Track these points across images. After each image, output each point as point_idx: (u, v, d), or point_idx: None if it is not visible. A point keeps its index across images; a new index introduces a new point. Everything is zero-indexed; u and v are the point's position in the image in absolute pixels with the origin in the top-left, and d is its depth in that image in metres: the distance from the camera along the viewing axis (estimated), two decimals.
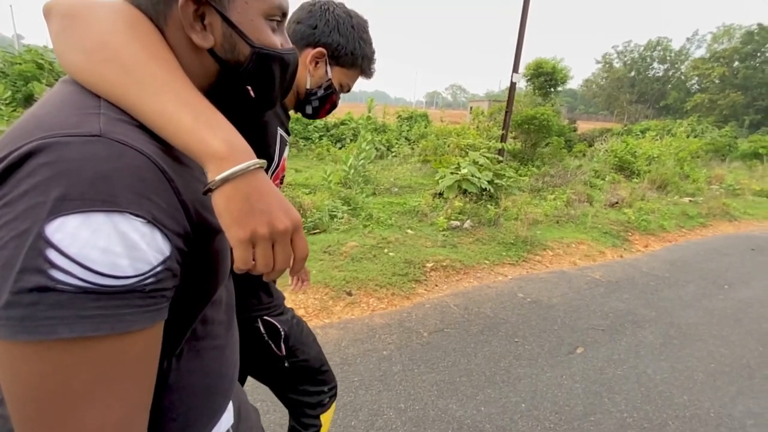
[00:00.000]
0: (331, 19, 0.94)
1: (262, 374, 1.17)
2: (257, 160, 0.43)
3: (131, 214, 0.36)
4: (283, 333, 1.08)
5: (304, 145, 10.24)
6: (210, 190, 0.42)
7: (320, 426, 1.20)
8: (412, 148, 9.84)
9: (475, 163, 5.82)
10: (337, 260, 3.56)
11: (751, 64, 38.23)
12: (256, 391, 1.82)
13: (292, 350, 1.10)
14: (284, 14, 0.53)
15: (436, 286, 3.40)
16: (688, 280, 3.94)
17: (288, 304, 1.17)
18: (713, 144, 15.91)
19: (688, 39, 47.20)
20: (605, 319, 3.01)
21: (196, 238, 0.44)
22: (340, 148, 9.87)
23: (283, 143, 0.97)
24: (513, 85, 7.08)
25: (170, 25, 0.46)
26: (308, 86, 0.98)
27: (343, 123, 11.25)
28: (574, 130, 16.99)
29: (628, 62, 49.37)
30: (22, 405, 0.36)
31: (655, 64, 48.63)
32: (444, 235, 4.40)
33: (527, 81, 13.80)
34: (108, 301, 0.35)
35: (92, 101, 0.41)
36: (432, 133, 10.41)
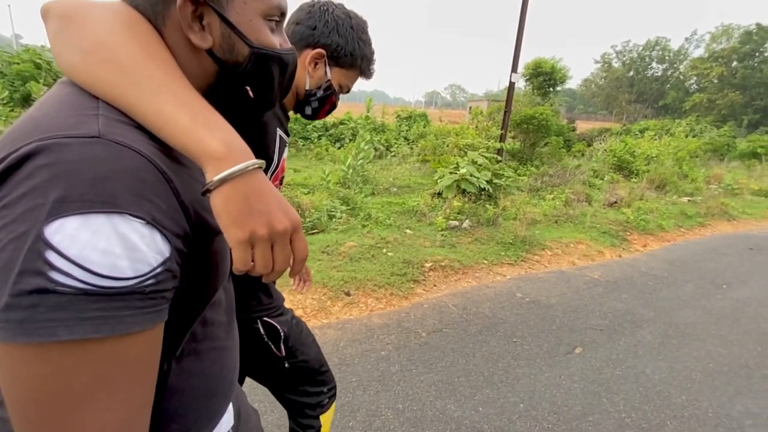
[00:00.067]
0: (330, 20, 0.94)
1: (261, 375, 1.17)
2: (255, 161, 0.43)
3: (131, 215, 0.35)
4: (282, 334, 1.08)
5: (303, 145, 10.24)
6: (208, 191, 0.42)
7: (320, 427, 1.20)
8: (411, 148, 9.83)
9: (473, 162, 5.82)
10: (336, 260, 3.55)
11: (750, 64, 38.29)
12: (254, 392, 1.82)
13: (291, 351, 1.10)
14: (283, 14, 0.53)
15: (435, 286, 3.39)
16: (687, 279, 3.94)
17: (286, 304, 1.16)
18: (712, 143, 15.94)
19: (686, 39, 47.32)
20: (604, 319, 3.01)
21: (196, 239, 0.44)
22: (339, 148, 9.86)
23: (283, 144, 0.97)
24: (512, 84, 7.08)
25: (168, 26, 0.46)
26: (307, 87, 0.98)
27: (342, 123, 11.25)
28: (573, 130, 17.00)
29: (627, 62, 49.42)
30: (23, 407, 0.35)
31: (654, 64, 48.68)
32: (443, 235, 4.40)
33: (526, 81, 13.81)
34: (108, 303, 0.35)
35: (90, 102, 0.41)
36: (431, 133, 10.41)
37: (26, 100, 7.20)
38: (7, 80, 7.64)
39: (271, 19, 0.51)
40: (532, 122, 8.98)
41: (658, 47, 47.87)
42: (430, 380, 2.19)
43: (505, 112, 7.21)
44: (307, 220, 4.29)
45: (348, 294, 3.05)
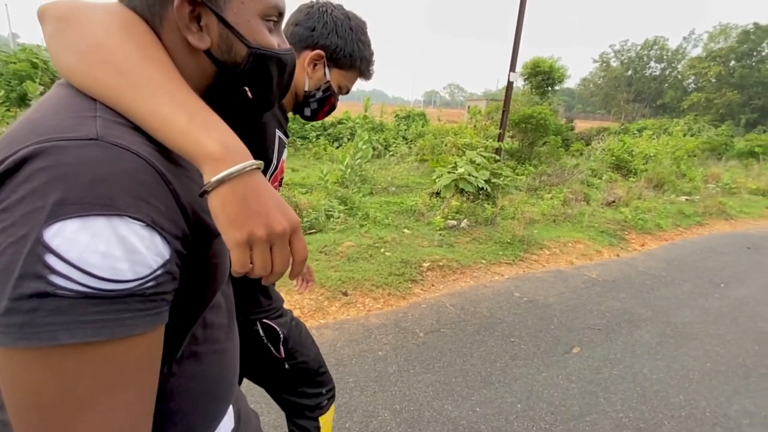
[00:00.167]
0: (329, 21, 0.94)
1: (260, 376, 1.16)
2: (253, 161, 0.43)
3: (130, 217, 0.35)
4: (282, 336, 1.07)
5: (302, 144, 10.22)
6: (206, 192, 0.41)
7: (319, 429, 1.19)
8: (410, 148, 9.83)
9: (472, 162, 5.81)
10: (333, 260, 3.54)
11: (747, 63, 38.37)
12: (251, 393, 1.80)
13: (291, 352, 1.10)
14: (281, 14, 0.53)
15: (433, 285, 3.39)
16: (685, 279, 3.94)
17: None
18: (710, 143, 15.97)
19: (684, 38, 47.39)
20: (601, 319, 3.01)
21: (195, 241, 0.43)
22: (337, 148, 9.85)
23: (282, 145, 0.97)
24: (510, 84, 7.07)
25: (166, 27, 0.46)
26: (306, 88, 0.97)
27: (340, 122, 11.23)
28: (572, 129, 17.02)
29: (625, 61, 49.47)
30: (24, 412, 0.35)
31: (652, 63, 48.74)
32: (441, 234, 4.39)
33: (524, 80, 13.79)
34: (108, 306, 0.35)
35: (88, 104, 0.41)
36: (429, 132, 10.40)
37: (23, 100, 7.18)
38: (3, 80, 7.60)
39: (269, 19, 0.51)
40: (531, 121, 8.98)
41: (657, 47, 47.94)
42: (427, 380, 2.18)
43: (504, 111, 7.21)
44: (305, 219, 4.28)
45: (345, 294, 3.04)
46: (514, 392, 2.14)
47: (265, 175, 0.92)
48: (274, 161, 0.94)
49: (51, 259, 0.33)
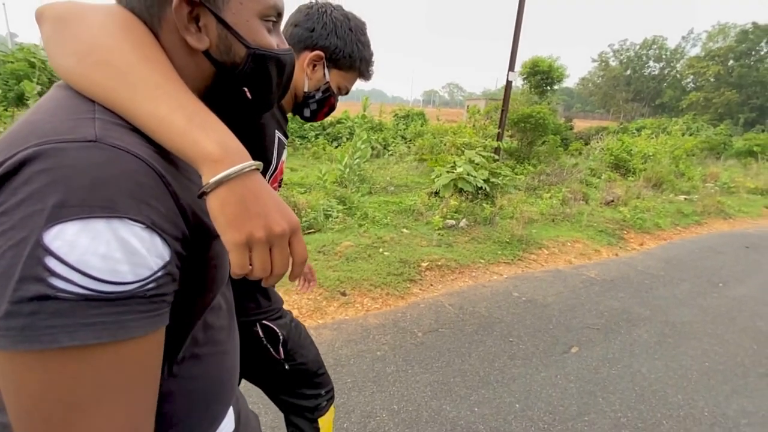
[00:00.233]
0: (328, 22, 0.94)
1: (259, 377, 1.16)
2: (252, 162, 0.42)
3: (130, 219, 0.35)
4: (281, 337, 1.07)
5: (300, 144, 10.21)
6: (204, 194, 0.41)
7: (318, 430, 1.19)
8: (409, 147, 9.82)
9: (471, 161, 5.81)
10: (332, 260, 3.54)
11: (746, 63, 38.43)
12: (248, 393, 1.79)
13: (290, 354, 1.10)
14: (279, 14, 0.52)
15: (431, 285, 3.38)
16: (683, 278, 3.94)
17: None
18: (708, 142, 16.00)
19: (683, 37, 47.37)
20: (600, 318, 3.01)
21: (195, 242, 0.43)
22: (336, 147, 9.84)
23: (281, 146, 0.96)
24: (509, 83, 7.07)
25: (164, 28, 0.46)
26: (306, 89, 0.97)
27: (339, 122, 11.22)
28: (571, 129, 17.03)
29: (624, 61, 49.55)
30: (26, 415, 0.35)
31: (651, 63, 48.84)
32: (439, 234, 4.39)
33: (523, 79, 13.78)
34: (109, 308, 0.35)
35: (86, 105, 0.41)
36: (428, 132, 10.40)
37: (20, 100, 7.15)
38: (1, 79, 7.59)
39: (268, 19, 0.51)
40: (530, 121, 8.97)
41: (655, 46, 48.03)
42: (425, 380, 2.18)
43: (503, 110, 7.20)
44: (304, 219, 4.27)
45: (344, 294, 3.04)
46: (513, 392, 2.13)
47: (265, 176, 0.92)
48: (274, 162, 0.93)
49: (51, 262, 0.33)
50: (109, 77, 0.41)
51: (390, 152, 9.78)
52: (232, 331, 0.62)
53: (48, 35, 0.46)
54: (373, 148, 9.04)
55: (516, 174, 7.56)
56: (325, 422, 1.20)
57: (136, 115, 0.41)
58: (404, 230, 4.45)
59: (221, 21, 0.46)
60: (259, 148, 0.88)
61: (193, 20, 0.46)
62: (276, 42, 0.53)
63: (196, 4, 0.45)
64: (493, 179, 5.71)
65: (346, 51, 0.95)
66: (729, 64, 39.07)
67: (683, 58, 46.36)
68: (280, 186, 1.06)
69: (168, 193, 0.40)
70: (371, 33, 1.02)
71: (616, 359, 2.50)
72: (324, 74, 0.97)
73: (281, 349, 1.08)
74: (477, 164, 5.80)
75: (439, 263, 3.69)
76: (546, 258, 4.24)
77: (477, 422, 1.91)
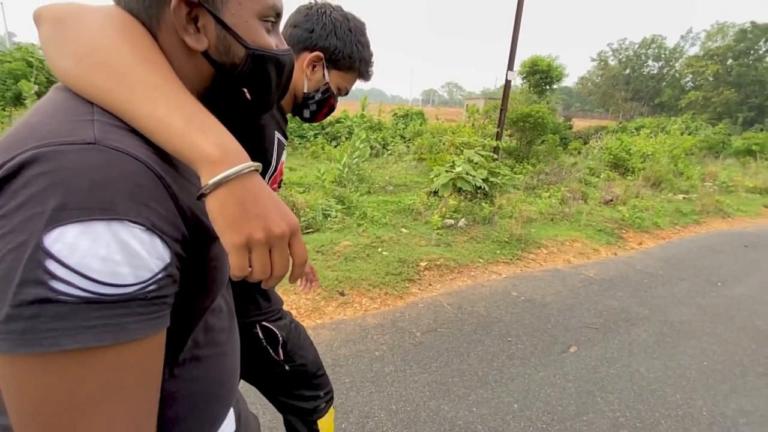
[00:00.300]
0: (328, 23, 0.93)
1: (258, 378, 1.16)
2: (251, 163, 0.42)
3: (130, 221, 0.35)
4: (281, 339, 1.07)
5: (299, 143, 10.20)
6: (203, 195, 0.41)
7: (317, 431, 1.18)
8: (408, 146, 9.82)
9: (470, 161, 5.80)
10: (330, 260, 3.53)
11: (745, 62, 38.48)
12: (246, 394, 1.79)
13: (289, 355, 1.10)
14: (278, 15, 0.52)
15: (430, 285, 3.38)
16: (682, 277, 3.94)
17: None
18: (707, 141, 16.01)
19: (682, 37, 47.52)
20: (599, 318, 3.01)
21: (194, 244, 0.43)
22: (335, 147, 9.83)
23: (281, 147, 0.96)
24: (508, 82, 7.07)
25: (163, 29, 0.46)
26: (306, 90, 0.97)
27: (338, 121, 11.21)
28: (570, 128, 17.04)
29: (623, 60, 49.58)
30: (27, 418, 0.35)
31: (650, 62, 48.89)
32: (438, 233, 4.38)
33: (522, 79, 13.77)
34: (110, 310, 0.35)
35: (85, 107, 0.41)
36: (427, 131, 10.39)
37: (18, 99, 7.13)
38: None
39: (267, 19, 0.50)
40: (529, 120, 8.96)
41: (654, 45, 48.07)
42: (424, 381, 2.17)
43: (501, 110, 7.19)
44: (302, 219, 4.26)
45: (342, 294, 3.03)
46: (511, 392, 2.13)
47: (264, 177, 0.92)
48: (273, 163, 0.93)
49: (52, 265, 0.33)
50: (107, 79, 0.41)
51: (389, 152, 9.77)
52: (233, 332, 0.62)
53: (46, 37, 0.45)
54: (372, 148, 9.03)
55: (515, 173, 7.56)
56: (324, 424, 1.20)
57: (135, 117, 0.40)
58: (403, 230, 4.45)
59: (220, 22, 0.46)
60: (259, 149, 0.88)
61: (192, 21, 0.46)
62: (275, 42, 0.52)
63: (194, 5, 0.45)
64: (492, 178, 5.71)
65: (346, 52, 0.95)
66: (728, 63, 39.12)
67: (682, 57, 46.41)
68: (279, 187, 1.06)
69: (167, 195, 0.39)
70: (371, 33, 1.02)
71: (615, 359, 2.50)
72: (323, 75, 0.97)
73: (281, 351, 1.07)
74: (476, 163, 5.79)
75: (438, 263, 3.69)
76: (545, 257, 4.24)
77: (475, 422, 1.91)
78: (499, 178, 5.89)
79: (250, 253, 0.42)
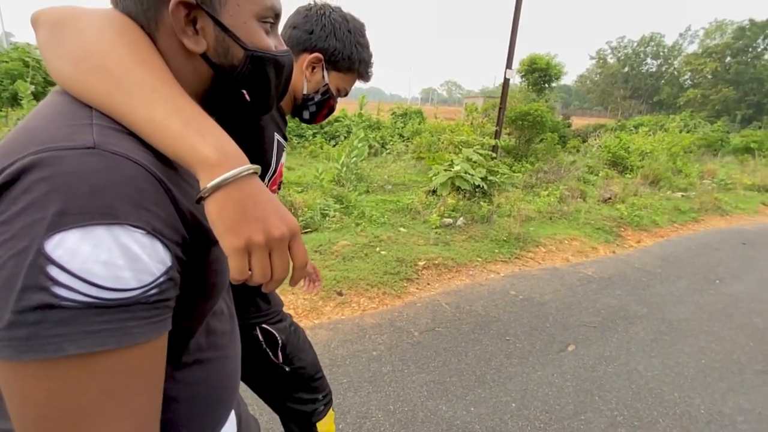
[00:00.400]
0: (327, 24, 0.93)
1: (256, 381, 1.15)
2: (250, 166, 0.42)
3: (131, 225, 0.36)
4: (281, 342, 1.07)
5: (298, 143, 10.17)
6: (202, 198, 0.41)
7: None
8: (406, 145, 9.80)
9: (468, 159, 5.80)
10: (328, 260, 3.53)
11: (743, 60, 38.51)
12: (243, 395, 1.79)
13: (288, 358, 1.10)
14: (277, 16, 0.52)
15: (428, 284, 3.38)
16: (680, 275, 3.94)
17: None
18: (705, 139, 16.02)
19: (680, 35, 47.57)
20: (597, 316, 3.01)
21: (195, 247, 0.43)
22: (333, 146, 9.81)
23: (281, 148, 0.96)
24: (506, 81, 7.06)
25: (162, 32, 0.45)
26: (305, 91, 0.97)
27: (337, 120, 11.18)
28: (568, 126, 17.02)
29: (622, 58, 49.59)
30: (32, 423, 0.35)
31: (649, 60, 48.92)
32: (437, 232, 4.38)
33: (521, 77, 13.77)
34: (113, 315, 0.35)
35: (84, 111, 0.41)
36: (426, 130, 10.38)
37: (14, 99, 7.10)
38: None
39: (266, 21, 0.50)
40: (527, 118, 8.96)
41: (653, 43, 48.09)
42: (422, 380, 2.17)
43: (500, 108, 7.18)
44: (300, 219, 4.25)
45: (340, 294, 3.03)
46: (509, 391, 2.13)
47: (264, 179, 0.92)
48: (273, 165, 0.93)
49: (53, 271, 0.33)
50: (105, 82, 0.40)
51: (388, 151, 9.75)
52: (234, 335, 0.63)
53: (44, 40, 0.45)
54: (370, 147, 9.02)
55: (513, 172, 7.56)
56: (324, 426, 1.19)
57: (133, 120, 0.40)
58: (401, 229, 4.44)
59: (218, 23, 0.46)
60: (258, 150, 0.88)
61: (191, 23, 0.45)
62: (274, 43, 0.52)
63: (193, 7, 0.44)
64: (490, 177, 5.70)
65: (345, 53, 0.95)
66: (726, 60, 39.14)
67: (681, 55, 46.45)
68: (279, 189, 1.06)
69: (167, 198, 0.39)
70: (370, 32, 1.02)
71: (613, 357, 2.50)
72: (323, 76, 0.96)
73: (280, 354, 1.07)
74: (474, 162, 5.79)
75: (436, 262, 3.68)
76: (543, 256, 4.24)
77: (473, 422, 1.91)
78: (498, 176, 5.89)
79: (249, 257, 0.42)
